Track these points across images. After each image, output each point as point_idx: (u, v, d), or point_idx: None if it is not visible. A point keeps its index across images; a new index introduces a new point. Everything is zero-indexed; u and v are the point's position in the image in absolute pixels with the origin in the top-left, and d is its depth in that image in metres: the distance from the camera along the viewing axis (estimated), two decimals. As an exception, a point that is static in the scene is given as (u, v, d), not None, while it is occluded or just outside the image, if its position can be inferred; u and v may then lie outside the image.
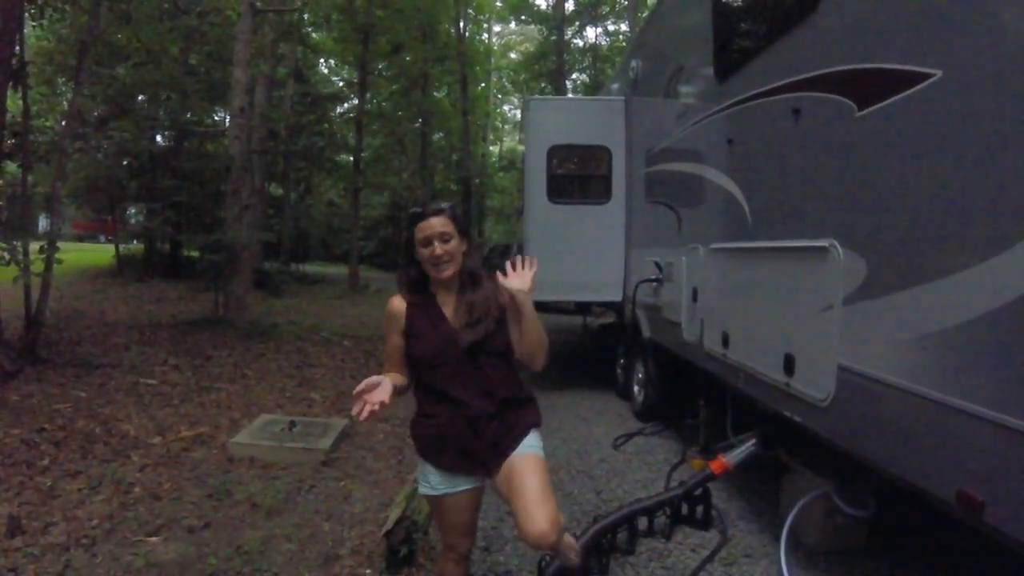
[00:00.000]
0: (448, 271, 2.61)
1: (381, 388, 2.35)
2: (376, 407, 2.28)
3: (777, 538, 3.97)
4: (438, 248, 2.56)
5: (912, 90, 2.71)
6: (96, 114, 14.83)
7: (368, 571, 3.80)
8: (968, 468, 2.41)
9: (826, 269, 3.29)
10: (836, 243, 3.22)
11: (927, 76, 2.63)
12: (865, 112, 3.04)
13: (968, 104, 2.44)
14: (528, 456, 2.62)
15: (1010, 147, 2.25)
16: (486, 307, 2.63)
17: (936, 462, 2.59)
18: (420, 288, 2.72)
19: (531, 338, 2.63)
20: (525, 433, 2.68)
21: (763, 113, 4.14)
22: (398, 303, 2.72)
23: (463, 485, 2.68)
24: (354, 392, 2.30)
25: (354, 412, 2.28)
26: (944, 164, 2.57)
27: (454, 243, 2.60)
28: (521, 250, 9.56)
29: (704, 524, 4.46)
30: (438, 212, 2.62)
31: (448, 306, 2.69)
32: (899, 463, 2.84)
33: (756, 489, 5.02)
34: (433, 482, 2.69)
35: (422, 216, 2.61)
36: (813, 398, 3.39)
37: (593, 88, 31.71)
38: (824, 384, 3.29)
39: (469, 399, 2.58)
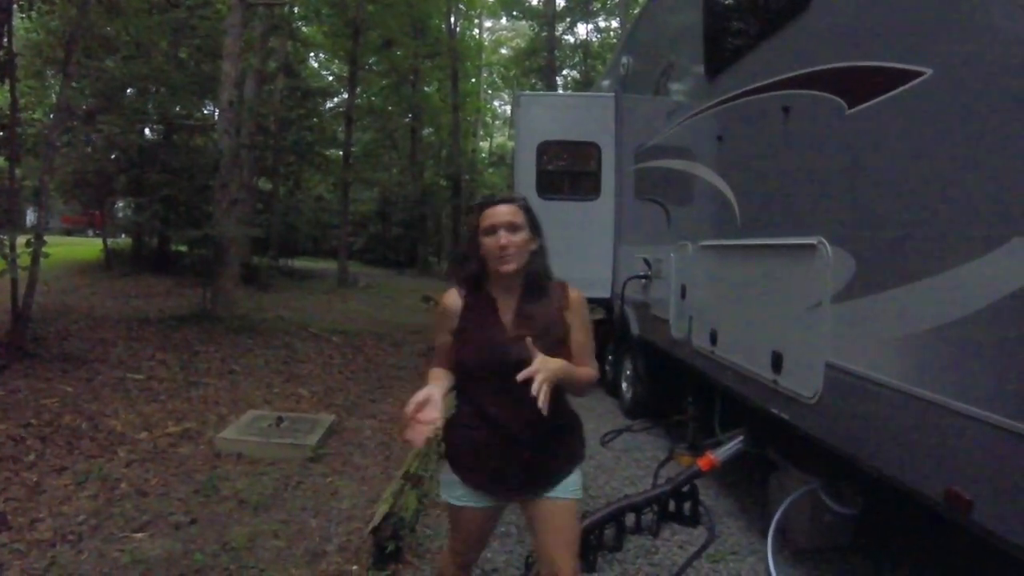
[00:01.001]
0: (512, 265, 2.32)
1: (431, 405, 2.13)
2: (430, 433, 2.10)
3: (764, 535, 3.98)
4: (503, 237, 2.30)
5: (902, 88, 2.72)
6: (84, 107, 14.72)
7: (355, 567, 3.79)
8: (956, 466, 2.41)
9: (814, 266, 3.30)
10: (824, 240, 3.22)
11: (917, 74, 2.63)
12: (855, 110, 3.04)
13: (958, 102, 2.44)
14: (568, 502, 2.45)
15: (1000, 145, 2.25)
16: (547, 322, 2.38)
17: (924, 460, 2.60)
18: (478, 286, 2.46)
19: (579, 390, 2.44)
20: (567, 468, 2.48)
21: (753, 110, 4.14)
22: (453, 299, 2.47)
23: (487, 502, 2.47)
24: (405, 415, 2.09)
25: (407, 437, 2.10)
26: (934, 162, 2.58)
27: (522, 236, 2.35)
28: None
29: (692, 521, 4.47)
30: (508, 200, 2.41)
31: (506, 312, 2.42)
32: (887, 461, 2.84)
33: (744, 486, 5.04)
34: (457, 493, 2.46)
35: (489, 202, 2.41)
36: (801, 396, 3.39)
37: (584, 85, 31.76)
38: (812, 382, 3.29)
39: (511, 419, 2.32)
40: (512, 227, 2.32)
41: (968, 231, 2.38)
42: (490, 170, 39.86)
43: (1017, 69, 2.19)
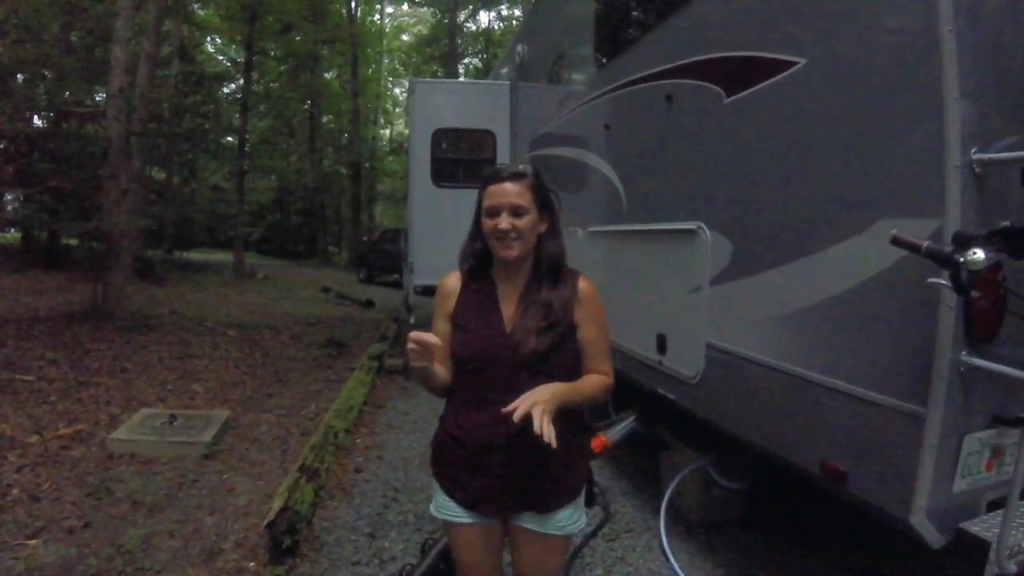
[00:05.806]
0: (513, 251, 2.04)
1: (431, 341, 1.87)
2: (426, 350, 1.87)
3: (658, 512, 4.09)
4: (504, 221, 2.01)
5: (777, 78, 2.83)
6: (-30, 94, 13.89)
7: (252, 564, 3.73)
8: (830, 440, 2.55)
9: (694, 251, 3.40)
10: (704, 226, 3.33)
11: (791, 64, 2.74)
12: (732, 99, 3.15)
13: (830, 91, 2.57)
14: (558, 539, 2.20)
15: (867, 133, 2.38)
16: (554, 314, 2.05)
17: (801, 435, 2.73)
18: (481, 269, 2.19)
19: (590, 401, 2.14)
20: (571, 489, 2.20)
21: (638, 99, 4.23)
22: (453, 281, 2.20)
23: (474, 518, 2.16)
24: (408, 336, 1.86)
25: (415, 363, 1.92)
26: (805, 149, 2.69)
27: (528, 220, 2.04)
28: (407, 234, 9.55)
29: (587, 501, 4.54)
30: (516, 177, 2.06)
31: (509, 300, 2.14)
32: (767, 437, 2.97)
33: (637, 466, 5.15)
34: (446, 507, 2.20)
35: (495, 177, 2.07)
36: (684, 376, 3.51)
37: (486, 73, 31.69)
38: (694, 362, 3.40)
39: (491, 430, 2.04)
40: (516, 210, 2.02)
41: (836, 215, 2.50)
42: (390, 158, 39.45)
43: (884, 60, 2.31)
